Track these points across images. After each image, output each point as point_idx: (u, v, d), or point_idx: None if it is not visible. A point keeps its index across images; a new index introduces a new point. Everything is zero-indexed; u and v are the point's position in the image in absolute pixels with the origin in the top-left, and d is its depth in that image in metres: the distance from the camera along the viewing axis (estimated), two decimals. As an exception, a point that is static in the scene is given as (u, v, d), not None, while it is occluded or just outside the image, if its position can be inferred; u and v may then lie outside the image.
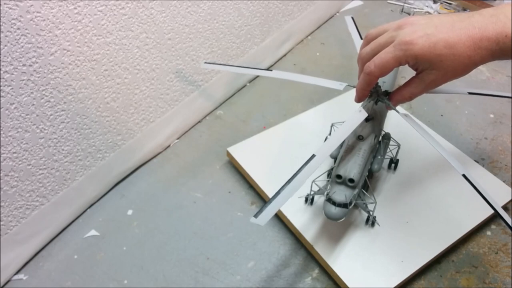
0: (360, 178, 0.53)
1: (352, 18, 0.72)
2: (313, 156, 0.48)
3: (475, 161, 0.68)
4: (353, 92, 0.76)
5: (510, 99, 0.83)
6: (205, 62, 0.72)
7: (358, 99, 0.53)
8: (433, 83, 0.47)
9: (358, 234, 0.57)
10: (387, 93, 0.56)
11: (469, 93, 0.64)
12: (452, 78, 0.46)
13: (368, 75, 0.48)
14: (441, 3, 1.11)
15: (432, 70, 0.45)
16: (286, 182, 0.46)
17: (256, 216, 0.44)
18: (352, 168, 0.53)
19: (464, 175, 0.49)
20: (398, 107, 0.55)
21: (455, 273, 0.57)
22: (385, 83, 0.63)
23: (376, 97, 0.55)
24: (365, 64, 0.48)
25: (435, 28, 0.43)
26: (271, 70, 0.63)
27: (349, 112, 0.61)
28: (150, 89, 0.67)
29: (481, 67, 0.89)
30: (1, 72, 0.47)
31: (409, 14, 1.06)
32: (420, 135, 0.54)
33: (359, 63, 0.50)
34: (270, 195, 0.61)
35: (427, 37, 0.43)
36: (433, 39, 0.43)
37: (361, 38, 0.66)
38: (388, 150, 0.62)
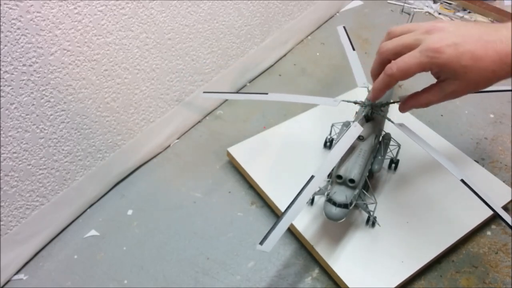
0: (360, 179, 0.53)
1: (344, 27, 0.72)
2: (312, 177, 0.49)
3: (475, 161, 0.68)
4: (352, 93, 0.76)
5: (510, 100, 0.83)
6: (204, 92, 0.72)
7: (373, 99, 0.52)
8: (453, 93, 0.46)
9: (358, 235, 0.57)
10: (382, 105, 0.56)
11: None
12: (472, 91, 0.45)
13: (389, 76, 0.47)
14: (441, 3, 1.11)
15: (455, 80, 0.44)
16: (287, 207, 0.47)
17: (261, 243, 0.45)
18: (353, 169, 0.53)
19: (462, 180, 0.49)
20: (393, 118, 0.55)
21: (455, 273, 0.57)
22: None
23: (370, 110, 0.55)
24: (383, 58, 0.47)
25: (463, 38, 0.43)
26: (267, 94, 0.64)
27: (347, 112, 0.61)
28: (150, 89, 0.67)
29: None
30: (1, 72, 0.47)
31: (409, 14, 1.06)
32: (419, 136, 0.54)
33: (377, 56, 0.49)
34: (270, 195, 0.62)
35: (455, 47, 0.42)
36: (460, 49, 0.42)
37: (353, 48, 0.66)
38: (388, 150, 0.62)
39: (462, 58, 0.42)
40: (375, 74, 0.50)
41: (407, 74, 0.45)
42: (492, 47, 0.42)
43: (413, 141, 0.53)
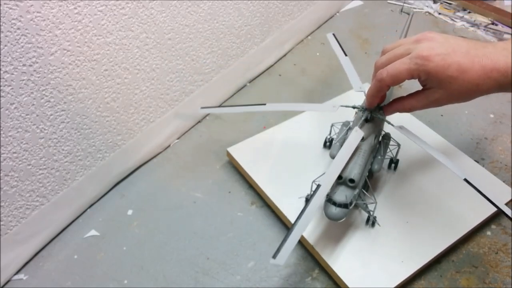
0: (360, 178, 0.53)
1: (334, 34, 0.72)
2: (319, 186, 0.49)
3: (475, 161, 0.68)
4: (350, 93, 0.76)
5: (510, 100, 0.83)
6: (202, 108, 0.72)
7: (369, 105, 0.54)
8: (437, 102, 0.48)
9: (358, 234, 0.57)
10: (381, 108, 0.56)
11: None
12: (455, 102, 0.47)
13: (379, 81, 0.48)
14: (441, 3, 1.11)
15: (439, 89, 0.46)
16: (297, 218, 0.47)
17: (274, 256, 0.45)
18: (353, 168, 0.53)
19: (465, 180, 0.49)
20: (393, 119, 0.55)
21: (455, 273, 0.57)
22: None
23: (369, 113, 0.56)
24: (377, 71, 0.49)
25: (452, 50, 0.44)
26: (265, 104, 0.64)
27: (347, 112, 0.61)
28: (150, 89, 0.67)
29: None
30: (1, 72, 0.47)
31: (408, 14, 1.06)
32: (420, 137, 0.54)
33: (374, 71, 0.51)
34: (270, 195, 0.62)
35: (443, 56, 0.44)
36: (448, 60, 0.44)
37: (345, 54, 0.67)
38: (388, 150, 0.62)
39: (449, 68, 0.44)
40: None
41: (396, 79, 0.47)
42: (479, 61, 0.44)
43: (414, 142, 0.53)
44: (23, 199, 0.55)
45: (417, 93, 0.49)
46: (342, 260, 0.55)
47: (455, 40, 0.46)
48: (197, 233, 0.61)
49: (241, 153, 0.68)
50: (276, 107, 0.66)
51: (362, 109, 0.57)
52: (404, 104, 0.51)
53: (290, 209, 0.60)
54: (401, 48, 0.48)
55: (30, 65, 0.49)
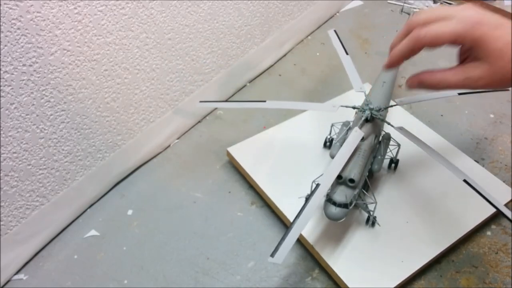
0: (360, 178, 0.53)
1: (335, 31, 0.72)
2: (318, 185, 0.49)
3: (475, 161, 0.68)
4: (350, 94, 0.76)
5: (510, 100, 0.83)
6: (200, 101, 0.71)
7: (390, 64, 0.44)
8: (475, 80, 0.40)
9: (358, 234, 0.57)
10: (380, 109, 0.56)
11: (459, 94, 0.64)
12: (496, 85, 0.40)
13: (415, 40, 0.41)
14: (441, 3, 1.11)
15: (483, 64, 0.39)
16: (296, 217, 0.47)
17: (272, 255, 0.45)
18: (353, 168, 0.53)
19: (465, 180, 0.49)
20: (393, 121, 0.54)
21: (455, 273, 0.57)
22: (385, 83, 0.63)
23: (369, 114, 0.55)
24: (411, 30, 0.41)
25: (505, 21, 0.38)
26: (265, 101, 0.64)
27: (347, 112, 0.62)
28: (150, 89, 0.67)
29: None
30: (1, 72, 0.47)
31: (409, 14, 1.06)
32: (420, 139, 0.54)
33: (405, 27, 0.43)
34: (270, 195, 0.62)
35: (496, 25, 0.38)
36: (499, 30, 0.38)
37: (346, 52, 0.66)
38: (388, 150, 0.62)
39: (499, 40, 0.37)
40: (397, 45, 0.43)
41: (436, 41, 0.40)
42: None
43: (414, 143, 0.53)
44: (23, 199, 0.55)
45: (454, 67, 0.41)
46: (342, 260, 0.55)
47: (504, 14, 0.39)
48: (197, 233, 0.61)
49: (241, 153, 0.68)
50: (276, 104, 0.66)
51: (363, 109, 0.57)
52: (436, 75, 0.41)
53: (290, 209, 0.60)
54: (444, 10, 0.40)
55: (30, 65, 0.49)
